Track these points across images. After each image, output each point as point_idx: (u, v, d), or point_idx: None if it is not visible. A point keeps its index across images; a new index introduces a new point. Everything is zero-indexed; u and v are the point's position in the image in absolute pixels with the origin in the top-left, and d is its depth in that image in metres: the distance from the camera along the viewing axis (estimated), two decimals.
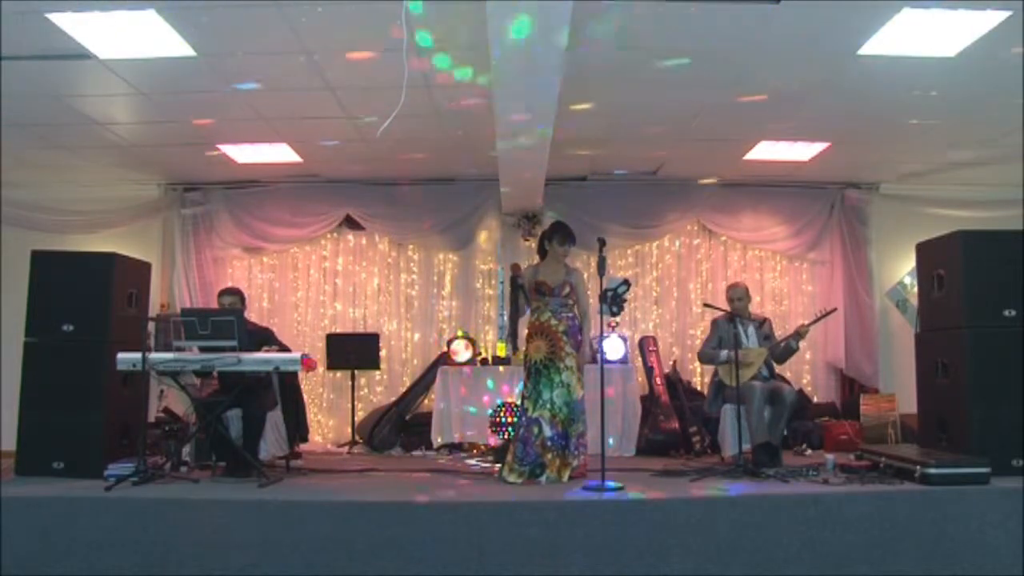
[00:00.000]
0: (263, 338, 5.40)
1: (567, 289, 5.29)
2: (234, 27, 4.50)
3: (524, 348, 5.42)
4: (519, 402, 5.43)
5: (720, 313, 5.93)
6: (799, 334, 5.82)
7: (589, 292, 5.42)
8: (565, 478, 5.00)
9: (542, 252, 5.50)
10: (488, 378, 6.92)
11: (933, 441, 5.37)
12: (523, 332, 5.65)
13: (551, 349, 5.17)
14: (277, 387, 5.51)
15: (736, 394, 5.42)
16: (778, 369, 6.16)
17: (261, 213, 7.75)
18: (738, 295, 5.91)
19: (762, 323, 5.96)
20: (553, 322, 5.23)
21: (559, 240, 5.37)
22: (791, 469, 5.14)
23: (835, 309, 6.79)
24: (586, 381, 5.23)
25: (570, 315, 5.30)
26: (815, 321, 6.05)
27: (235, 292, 5.76)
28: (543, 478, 4.98)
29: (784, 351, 5.90)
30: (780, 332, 6.10)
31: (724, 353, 5.70)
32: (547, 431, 5.06)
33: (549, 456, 5.03)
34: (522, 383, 5.31)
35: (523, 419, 5.18)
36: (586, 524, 4.12)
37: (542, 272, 5.38)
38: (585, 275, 7.61)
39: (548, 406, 5.09)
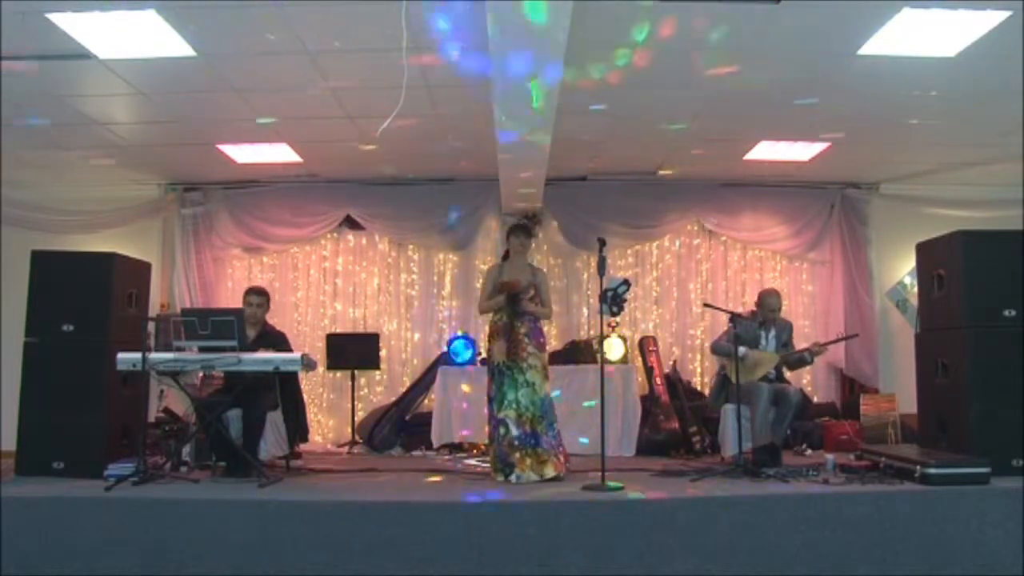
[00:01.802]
0: (275, 341, 5.42)
1: (531, 292, 5.32)
2: (234, 27, 4.50)
3: (487, 349, 5.44)
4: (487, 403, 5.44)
5: (742, 312, 5.95)
6: (812, 352, 5.83)
7: (589, 292, 5.43)
8: (546, 475, 5.01)
9: (506, 254, 5.58)
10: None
11: (933, 441, 5.36)
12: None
13: (513, 350, 5.21)
14: (277, 387, 5.50)
15: (738, 393, 5.41)
16: None
17: (261, 213, 7.75)
18: (775, 306, 5.89)
19: (782, 328, 5.96)
20: (515, 323, 5.25)
21: (515, 235, 5.48)
22: (791, 469, 5.14)
23: (856, 335, 6.80)
24: (585, 381, 5.23)
25: (531, 317, 5.33)
26: (834, 341, 6.07)
27: (262, 292, 5.72)
28: (512, 477, 5.00)
29: (797, 361, 5.92)
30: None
31: (743, 350, 5.64)
32: (513, 431, 5.08)
33: (517, 455, 5.04)
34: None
35: (491, 420, 5.24)
36: (586, 524, 4.12)
37: (506, 272, 5.41)
38: (585, 275, 7.77)
39: (514, 406, 5.12)
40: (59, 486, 4.71)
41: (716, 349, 6.03)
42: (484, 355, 5.65)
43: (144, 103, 5.64)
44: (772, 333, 5.90)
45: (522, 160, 6.04)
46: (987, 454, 4.64)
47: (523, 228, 5.54)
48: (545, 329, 5.58)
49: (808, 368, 7.80)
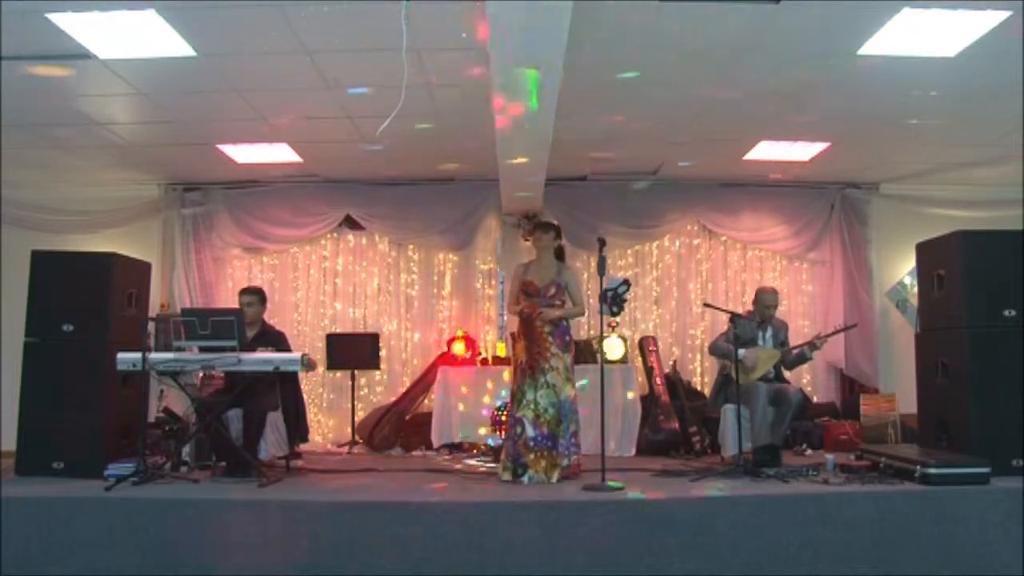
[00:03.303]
0: (273, 340, 5.42)
1: (553, 290, 5.28)
2: (234, 27, 4.50)
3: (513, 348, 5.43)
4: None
5: (741, 312, 5.95)
6: (814, 345, 5.81)
7: (589, 292, 5.42)
8: (554, 478, 4.99)
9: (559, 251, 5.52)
10: (488, 378, 6.92)
11: (933, 441, 5.37)
12: None
13: (536, 350, 5.18)
14: (277, 387, 5.49)
15: (738, 393, 5.41)
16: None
17: (261, 213, 7.75)
18: (772, 302, 5.88)
19: (778, 328, 5.95)
20: (538, 323, 5.22)
21: (530, 230, 5.43)
22: (791, 469, 5.14)
23: (855, 325, 6.76)
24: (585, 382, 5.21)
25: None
26: (833, 333, 6.04)
27: (254, 291, 5.71)
28: (525, 477, 4.99)
29: (796, 359, 5.90)
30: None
31: (743, 352, 5.62)
32: (529, 431, 5.07)
33: (532, 456, 5.03)
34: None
35: (511, 419, 5.23)
36: (586, 524, 4.12)
37: (531, 272, 5.38)
38: (585, 275, 7.76)
39: (532, 406, 5.10)
40: (59, 486, 4.71)
41: (714, 350, 6.03)
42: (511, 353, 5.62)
43: (144, 103, 5.64)
44: (769, 332, 5.90)
45: (522, 160, 6.04)
46: (987, 454, 4.65)
47: (543, 225, 5.47)
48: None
49: (808, 368, 7.83)
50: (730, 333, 5.77)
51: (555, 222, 5.58)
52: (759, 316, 5.89)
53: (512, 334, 5.38)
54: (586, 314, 5.99)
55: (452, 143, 6.62)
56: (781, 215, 7.88)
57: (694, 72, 5.17)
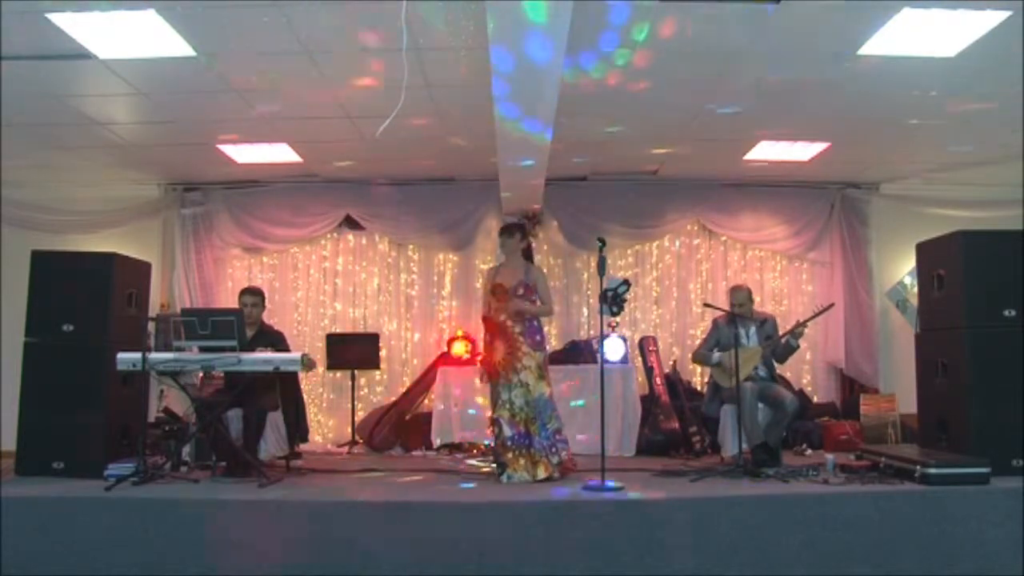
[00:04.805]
0: (272, 340, 5.42)
1: (521, 290, 5.31)
2: (234, 27, 4.50)
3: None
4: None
5: (720, 314, 5.94)
6: (796, 332, 5.79)
7: (589, 291, 5.41)
8: (538, 476, 5.01)
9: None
10: None
11: (933, 441, 5.37)
12: None
13: (508, 350, 5.21)
14: (277, 387, 5.49)
15: (733, 395, 5.42)
16: (779, 369, 6.15)
17: (261, 213, 7.75)
18: (739, 301, 5.84)
19: (763, 322, 5.92)
20: (509, 323, 5.25)
21: (500, 236, 5.51)
22: (791, 469, 5.14)
23: (832, 305, 6.74)
24: (587, 381, 5.21)
25: (528, 315, 5.31)
26: (813, 317, 6.01)
27: (256, 292, 5.73)
28: (504, 476, 5.02)
29: (784, 350, 5.88)
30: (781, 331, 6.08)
31: (716, 356, 5.75)
32: (506, 431, 5.11)
33: (510, 455, 5.07)
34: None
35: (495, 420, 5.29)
36: (586, 524, 4.13)
37: (500, 274, 5.44)
38: (585, 275, 7.76)
39: (507, 406, 5.15)
40: (59, 486, 4.72)
41: (696, 358, 6.08)
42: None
43: (144, 103, 5.64)
44: (751, 329, 5.85)
45: (522, 160, 6.04)
46: (987, 454, 4.65)
47: (506, 228, 5.53)
48: (545, 329, 5.55)
49: (808, 368, 7.84)
50: (711, 339, 5.85)
51: (520, 221, 5.62)
52: (734, 314, 5.86)
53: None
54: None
55: (451, 142, 6.62)
56: (781, 215, 7.89)
57: (694, 72, 5.16)
